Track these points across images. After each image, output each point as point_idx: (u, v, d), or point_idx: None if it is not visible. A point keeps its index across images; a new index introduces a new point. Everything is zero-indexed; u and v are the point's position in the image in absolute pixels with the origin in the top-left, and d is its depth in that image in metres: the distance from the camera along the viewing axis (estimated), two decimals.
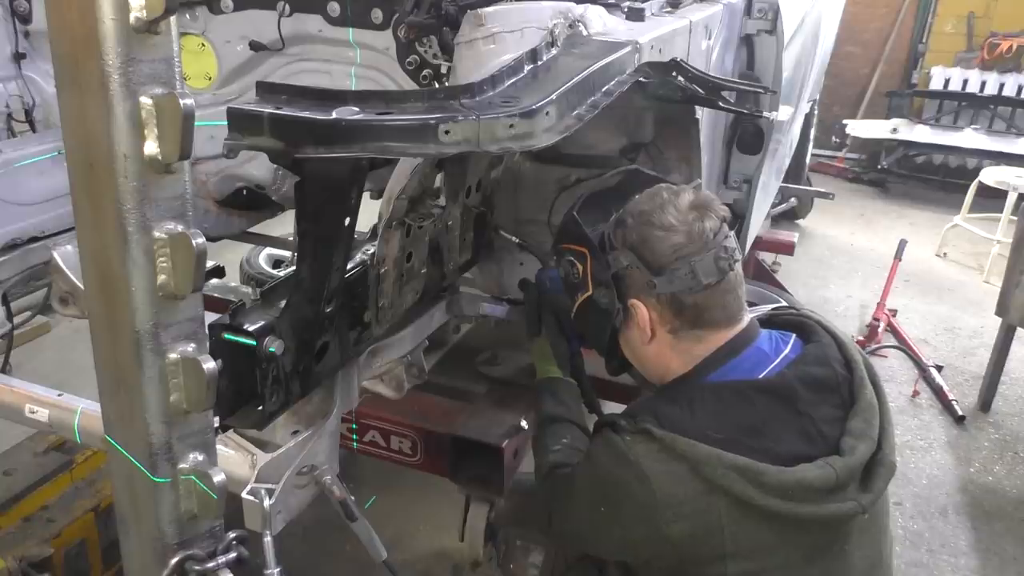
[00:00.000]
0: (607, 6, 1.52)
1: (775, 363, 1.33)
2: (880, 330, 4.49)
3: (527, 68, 1.14)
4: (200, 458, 0.99)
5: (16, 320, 2.01)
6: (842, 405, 1.31)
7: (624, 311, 1.37)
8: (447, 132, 0.95)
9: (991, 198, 5.72)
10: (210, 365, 0.93)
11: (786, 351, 1.35)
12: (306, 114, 0.94)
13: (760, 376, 1.32)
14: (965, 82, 7.75)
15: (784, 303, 1.58)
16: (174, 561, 1.00)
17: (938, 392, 4.00)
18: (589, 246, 1.40)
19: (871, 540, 1.33)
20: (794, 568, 1.26)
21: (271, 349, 1.15)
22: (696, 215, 1.31)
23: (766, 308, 1.51)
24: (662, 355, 1.38)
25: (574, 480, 1.41)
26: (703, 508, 1.21)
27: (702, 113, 1.82)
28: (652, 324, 1.35)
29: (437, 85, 1.63)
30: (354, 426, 2.00)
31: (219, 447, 1.08)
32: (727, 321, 1.35)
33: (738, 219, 2.47)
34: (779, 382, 1.30)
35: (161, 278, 0.88)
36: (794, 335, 1.39)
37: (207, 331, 0.99)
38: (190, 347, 0.94)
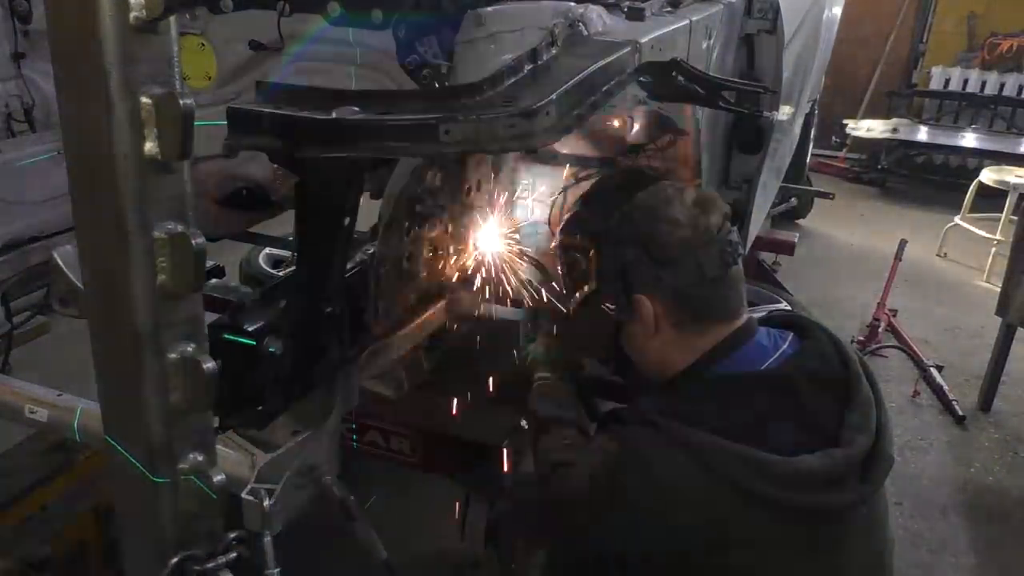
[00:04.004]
0: (607, 6, 1.52)
1: (774, 358, 1.35)
2: (880, 330, 4.49)
3: (527, 68, 1.14)
4: (200, 458, 0.99)
5: (16, 320, 2.00)
6: (839, 399, 1.32)
7: (628, 306, 1.37)
8: (447, 132, 0.95)
9: (991, 198, 5.72)
10: (210, 365, 0.93)
11: (784, 347, 1.37)
12: (306, 114, 0.94)
13: (762, 368, 1.33)
14: (965, 82, 7.76)
15: (784, 303, 1.58)
16: (174, 561, 1.00)
17: (938, 392, 4.01)
18: (594, 241, 1.41)
19: (871, 537, 1.33)
20: (794, 561, 1.26)
21: (271, 349, 1.15)
22: (701, 210, 1.33)
23: (764, 309, 1.52)
24: (664, 350, 1.39)
25: (577, 475, 1.41)
26: (707, 498, 1.22)
27: (702, 113, 1.82)
28: (656, 318, 1.36)
29: (437, 85, 1.63)
30: (354, 426, 2.00)
31: (219, 447, 1.08)
32: (729, 315, 1.37)
33: (738, 219, 2.47)
34: (780, 374, 1.31)
35: (161, 278, 0.88)
36: (791, 333, 1.41)
37: (207, 331, 0.99)
38: (190, 347, 0.93)
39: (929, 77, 7.98)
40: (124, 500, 1.02)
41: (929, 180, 7.61)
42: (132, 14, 0.78)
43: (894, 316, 4.70)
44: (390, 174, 1.30)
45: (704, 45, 1.83)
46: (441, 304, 1.68)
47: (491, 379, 2.16)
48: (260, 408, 1.18)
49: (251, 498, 1.19)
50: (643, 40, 1.36)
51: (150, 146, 0.83)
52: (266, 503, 1.19)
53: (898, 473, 3.36)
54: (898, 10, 8.03)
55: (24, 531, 2.14)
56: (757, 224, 3.04)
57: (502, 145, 0.99)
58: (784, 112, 2.78)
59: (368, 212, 1.26)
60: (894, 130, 7.32)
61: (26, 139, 2.09)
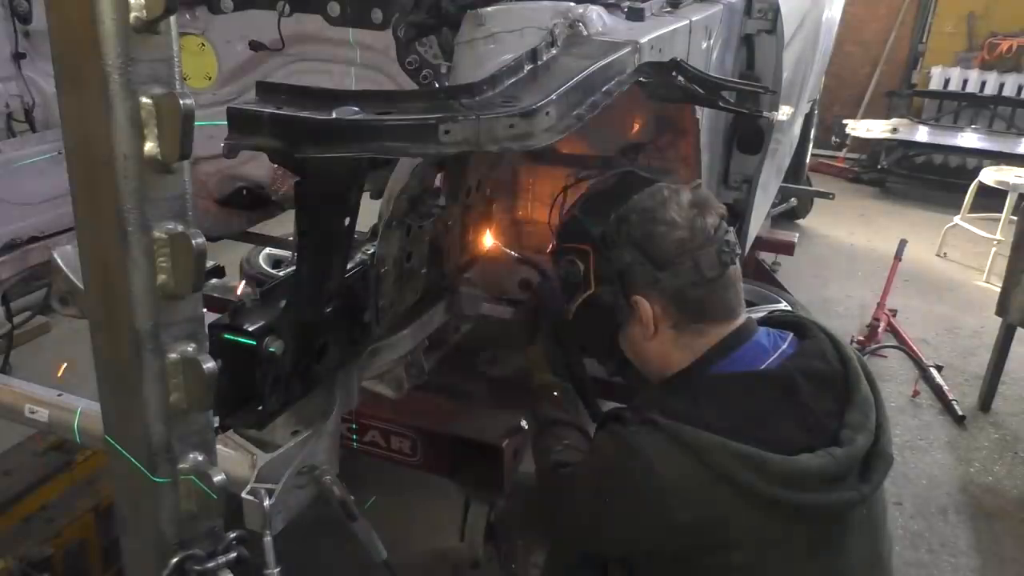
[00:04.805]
0: (607, 6, 1.52)
1: (773, 357, 1.35)
2: (880, 330, 4.49)
3: (527, 68, 1.14)
4: (200, 458, 0.99)
5: (16, 320, 2.01)
6: (839, 399, 1.32)
7: (627, 308, 1.38)
8: (447, 132, 0.95)
9: (991, 198, 5.72)
10: (210, 365, 0.93)
11: (784, 346, 1.37)
12: (306, 114, 0.94)
13: (762, 367, 1.33)
14: (965, 82, 7.76)
15: (784, 303, 1.59)
16: (174, 561, 1.00)
17: (938, 392, 4.00)
18: (592, 244, 1.41)
19: (870, 536, 1.33)
20: (795, 561, 1.27)
21: (271, 349, 1.15)
22: (697, 211, 1.34)
23: (763, 309, 1.53)
24: (664, 351, 1.39)
25: (578, 474, 1.41)
26: (708, 497, 1.22)
27: (702, 113, 1.82)
28: (655, 320, 1.36)
29: (437, 85, 1.63)
30: (354, 426, 2.00)
31: (219, 447, 1.08)
32: (728, 315, 1.37)
33: (738, 219, 2.47)
34: (780, 373, 1.32)
35: (161, 278, 0.88)
36: (791, 333, 1.41)
37: (207, 331, 0.99)
38: (190, 347, 0.94)
39: (929, 77, 7.97)
40: (124, 500, 1.03)
41: (929, 180, 7.60)
42: (132, 14, 0.78)
43: (894, 316, 4.70)
44: (390, 174, 1.30)
45: (704, 45, 1.84)
46: (441, 304, 1.68)
47: (491, 379, 2.17)
48: (260, 408, 1.18)
49: (251, 498, 1.19)
50: (643, 40, 1.36)
51: (150, 146, 0.83)
52: (266, 503, 1.19)
53: (898, 473, 3.36)
54: (898, 10, 8.03)
55: (24, 531, 2.14)
56: (757, 224, 3.04)
57: (502, 145, 0.99)
58: (784, 112, 2.78)
59: (368, 212, 1.26)
60: (894, 130, 7.32)
61: (27, 139, 2.09)
